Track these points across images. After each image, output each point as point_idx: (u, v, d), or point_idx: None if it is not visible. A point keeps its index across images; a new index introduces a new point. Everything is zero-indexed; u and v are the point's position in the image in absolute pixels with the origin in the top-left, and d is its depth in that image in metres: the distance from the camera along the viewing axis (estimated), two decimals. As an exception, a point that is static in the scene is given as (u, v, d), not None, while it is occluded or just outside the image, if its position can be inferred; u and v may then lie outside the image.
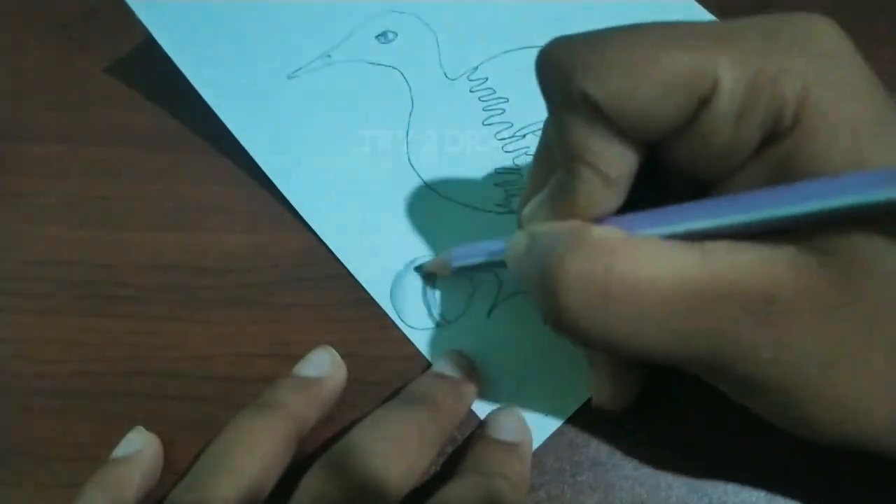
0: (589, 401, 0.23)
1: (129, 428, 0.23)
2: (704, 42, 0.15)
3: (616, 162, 0.16)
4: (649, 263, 0.16)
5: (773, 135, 0.16)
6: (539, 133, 0.27)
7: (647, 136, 0.16)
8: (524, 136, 0.27)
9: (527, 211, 0.19)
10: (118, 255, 0.27)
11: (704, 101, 0.15)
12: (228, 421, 0.21)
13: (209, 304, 0.25)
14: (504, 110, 0.28)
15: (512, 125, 0.27)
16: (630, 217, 0.17)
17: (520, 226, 0.20)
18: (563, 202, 0.18)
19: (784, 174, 0.15)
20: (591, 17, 0.29)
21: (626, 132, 0.16)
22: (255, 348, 0.25)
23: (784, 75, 0.15)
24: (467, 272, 0.24)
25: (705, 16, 0.29)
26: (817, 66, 0.15)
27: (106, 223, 0.27)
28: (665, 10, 0.30)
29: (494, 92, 0.28)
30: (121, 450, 0.22)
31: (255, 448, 0.20)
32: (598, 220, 0.17)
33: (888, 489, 0.21)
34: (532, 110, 0.27)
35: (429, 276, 0.25)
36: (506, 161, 0.27)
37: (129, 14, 0.28)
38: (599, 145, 0.16)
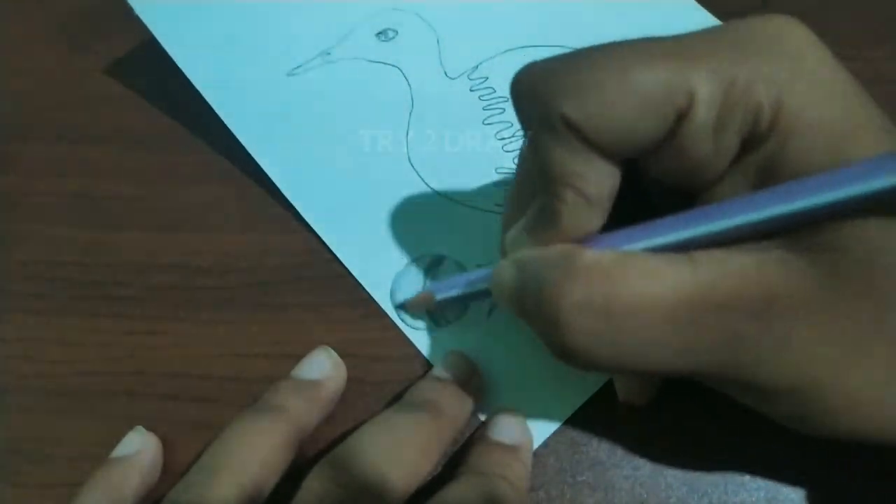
0: (589, 401, 0.23)
1: (129, 428, 0.23)
2: (677, 57, 0.16)
3: (598, 181, 0.16)
4: (645, 282, 0.16)
5: (752, 141, 0.16)
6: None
7: (628, 153, 0.16)
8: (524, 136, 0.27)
9: (509, 238, 0.19)
10: (118, 255, 0.27)
11: (682, 116, 0.16)
12: (228, 421, 0.21)
13: (209, 304, 0.25)
14: (504, 110, 0.28)
15: (512, 125, 0.27)
16: (615, 234, 0.17)
17: (503, 252, 0.20)
18: (546, 226, 0.17)
19: (766, 178, 0.16)
20: (592, 17, 0.29)
21: (607, 151, 0.16)
22: (255, 348, 0.25)
23: (757, 81, 0.15)
24: (452, 304, 0.24)
25: (704, 15, 0.29)
26: (789, 70, 0.15)
27: (106, 223, 0.27)
28: (665, 10, 0.30)
29: (495, 91, 0.28)
30: (120, 450, 0.22)
31: (254, 449, 0.20)
32: (584, 239, 0.17)
33: (888, 489, 0.21)
34: (532, 110, 0.27)
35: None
36: (506, 161, 0.27)
37: (129, 14, 0.28)
38: (580, 166, 0.16)
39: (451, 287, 0.23)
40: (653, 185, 0.18)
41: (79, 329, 0.25)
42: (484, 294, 0.21)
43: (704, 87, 0.15)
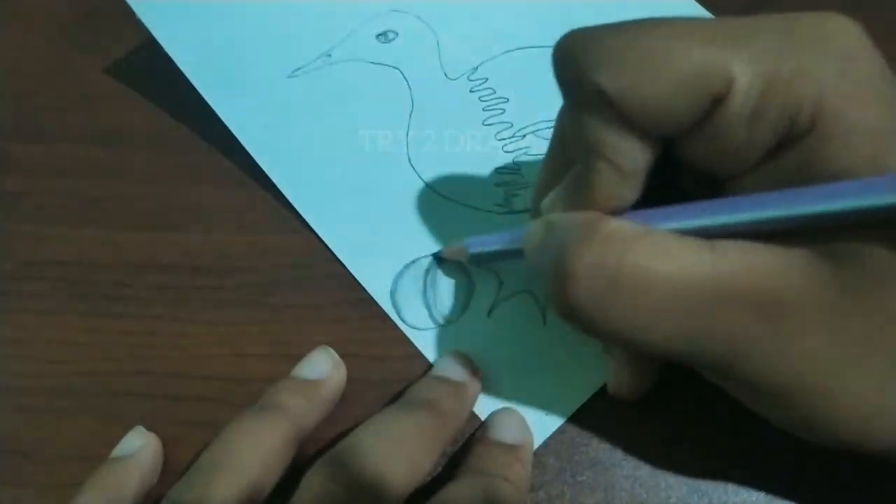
0: (589, 401, 0.23)
1: (129, 428, 0.23)
2: (719, 40, 0.15)
3: (631, 156, 0.16)
4: (661, 258, 0.16)
5: (790, 137, 0.15)
6: (539, 133, 0.27)
7: (661, 131, 0.16)
8: (524, 136, 0.27)
9: (545, 203, 0.19)
10: (118, 255, 0.27)
11: (718, 100, 0.15)
12: (228, 421, 0.21)
13: (209, 304, 0.25)
14: (504, 110, 0.28)
15: (512, 125, 0.27)
16: (646, 212, 0.17)
17: (534, 216, 0.20)
18: (580, 195, 0.18)
19: (800, 177, 0.15)
20: (592, 17, 0.29)
21: (641, 127, 0.16)
22: (255, 348, 0.25)
23: (800, 77, 0.15)
24: (483, 260, 0.24)
25: (704, 15, 0.29)
26: (835, 68, 0.15)
27: (106, 223, 0.27)
28: (665, 10, 0.29)
29: (494, 92, 0.28)
30: (120, 449, 0.22)
31: (254, 448, 0.20)
32: (615, 213, 0.17)
33: (888, 489, 0.21)
34: (532, 110, 0.27)
35: (439, 264, 0.25)
36: (506, 161, 0.27)
37: (129, 14, 0.28)
38: (614, 139, 0.16)
39: (484, 243, 0.23)
40: (686, 168, 0.18)
41: (79, 329, 0.25)
42: (514, 254, 0.21)
43: (743, 75, 0.15)
